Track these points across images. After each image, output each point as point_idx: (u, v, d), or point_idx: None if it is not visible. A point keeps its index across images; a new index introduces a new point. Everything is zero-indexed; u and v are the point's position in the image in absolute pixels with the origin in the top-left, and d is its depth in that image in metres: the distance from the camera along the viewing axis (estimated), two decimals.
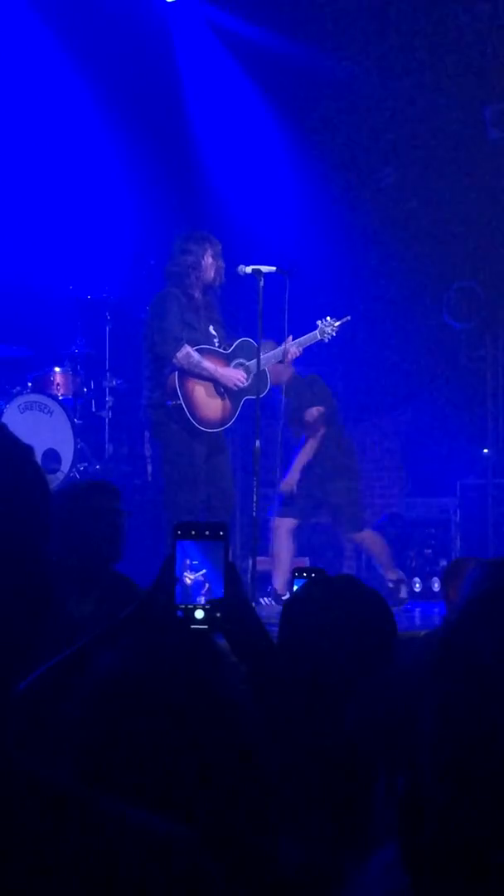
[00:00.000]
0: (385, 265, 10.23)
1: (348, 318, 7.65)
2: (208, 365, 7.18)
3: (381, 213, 10.32)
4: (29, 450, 1.19)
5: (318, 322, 7.55)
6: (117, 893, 1.11)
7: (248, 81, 10.22)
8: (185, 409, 7.11)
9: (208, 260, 7.24)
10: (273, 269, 7.17)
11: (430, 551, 9.52)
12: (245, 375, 7.25)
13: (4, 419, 7.66)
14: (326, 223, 10.35)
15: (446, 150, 10.01)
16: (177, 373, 7.11)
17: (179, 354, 7.11)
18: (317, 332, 7.53)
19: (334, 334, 7.59)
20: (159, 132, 9.86)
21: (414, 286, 10.12)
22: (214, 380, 7.20)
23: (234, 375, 7.25)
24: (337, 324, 7.57)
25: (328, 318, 7.58)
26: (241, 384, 7.25)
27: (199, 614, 2.31)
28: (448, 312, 10.00)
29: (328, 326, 7.55)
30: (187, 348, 7.13)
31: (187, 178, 10.02)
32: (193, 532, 2.35)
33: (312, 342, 7.55)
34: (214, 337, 7.33)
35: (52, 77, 9.30)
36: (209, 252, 7.25)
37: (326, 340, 7.60)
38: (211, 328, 7.33)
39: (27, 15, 9.14)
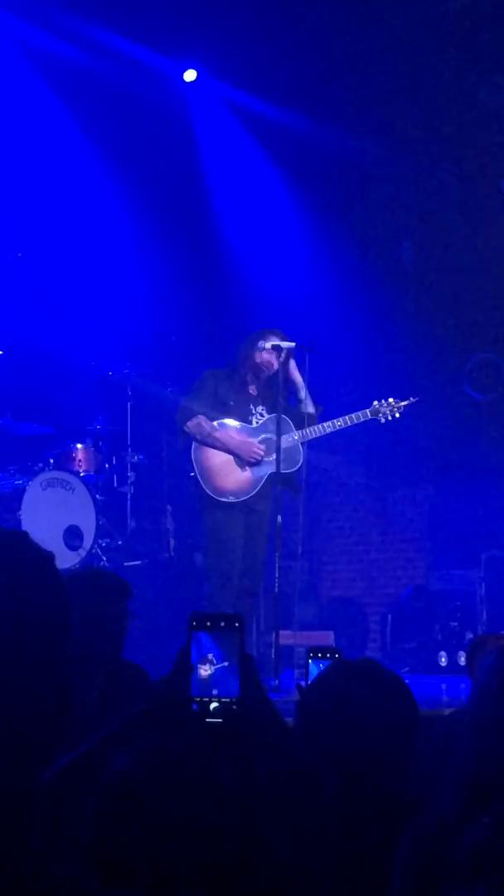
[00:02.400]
0: (405, 339, 10.25)
1: (416, 399, 7.47)
2: (220, 435, 7.19)
3: (401, 286, 10.36)
4: (50, 557, 1.22)
5: (375, 402, 7.41)
6: None
7: (266, 158, 10.31)
8: (200, 479, 7.14)
9: (261, 344, 7.22)
10: (293, 344, 7.18)
11: (455, 624, 9.44)
12: (262, 448, 7.23)
13: (27, 496, 7.67)
14: (346, 297, 10.39)
15: (463, 223, 10.06)
16: (193, 445, 7.16)
17: (190, 423, 7.17)
18: (369, 410, 7.40)
19: (397, 416, 7.46)
20: (180, 212, 9.96)
21: (434, 359, 10.13)
22: (228, 450, 7.20)
23: (251, 448, 7.23)
24: (402, 404, 7.44)
25: (391, 399, 7.39)
26: (256, 456, 7.22)
27: (214, 707, 2.28)
28: (469, 384, 10.00)
29: (386, 407, 7.36)
30: (199, 419, 7.16)
31: (208, 257, 10.09)
32: (208, 623, 2.33)
33: (362, 421, 7.40)
34: (258, 417, 7.33)
35: (77, 158, 9.41)
36: (264, 340, 7.24)
37: (383, 421, 7.47)
38: (259, 409, 7.32)
39: (54, 99, 9.28)
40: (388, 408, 7.38)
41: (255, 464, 7.23)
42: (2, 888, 1.12)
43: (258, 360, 7.25)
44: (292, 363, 7.25)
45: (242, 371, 7.30)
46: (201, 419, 7.18)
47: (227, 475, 7.20)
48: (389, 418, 7.41)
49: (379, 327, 10.37)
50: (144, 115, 9.66)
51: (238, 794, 1.71)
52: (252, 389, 7.34)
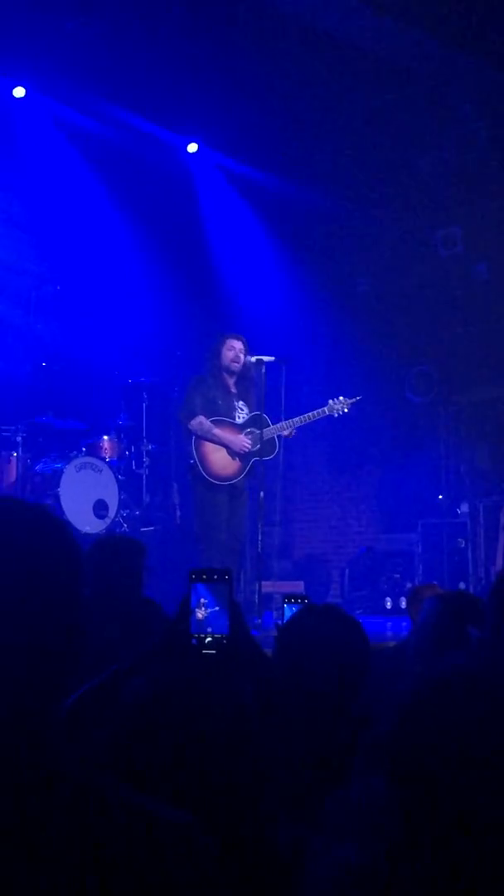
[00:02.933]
0: (359, 354, 10.25)
1: (359, 397, 7.48)
2: (217, 432, 7.18)
3: (357, 314, 10.36)
4: (66, 524, 1.22)
5: (330, 401, 7.43)
6: (126, 865, 1.11)
7: (252, 212, 10.30)
8: (200, 467, 7.14)
9: (227, 349, 7.24)
10: (272, 358, 7.17)
11: (398, 576, 9.45)
12: (250, 441, 7.22)
13: (65, 477, 7.66)
14: (315, 321, 10.40)
15: (407, 264, 10.06)
16: (194, 438, 7.15)
17: (193, 422, 7.16)
18: (325, 408, 7.40)
19: (347, 410, 7.46)
20: (183, 254, 9.94)
21: (382, 370, 10.13)
22: (224, 444, 7.20)
23: (240, 442, 7.22)
24: (350, 402, 7.45)
25: (341, 397, 7.40)
26: (245, 449, 7.22)
27: (209, 641, 2.28)
28: (409, 390, 10.01)
29: (339, 404, 7.39)
30: (199, 418, 7.16)
31: (206, 290, 10.08)
32: (204, 576, 2.33)
33: (321, 417, 7.37)
34: (241, 411, 7.32)
35: (102, 211, 9.39)
36: (227, 343, 7.26)
37: (336, 416, 7.46)
38: (240, 403, 7.31)
39: (83, 165, 9.26)
40: (340, 404, 7.38)
41: (244, 454, 7.23)
42: (28, 791, 1.12)
43: (227, 360, 7.25)
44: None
45: (219, 372, 7.28)
46: (202, 419, 7.16)
47: (222, 464, 7.20)
48: (341, 413, 7.41)
49: (338, 345, 10.37)
50: (156, 178, 9.64)
51: (228, 709, 1.70)
52: (231, 387, 7.33)
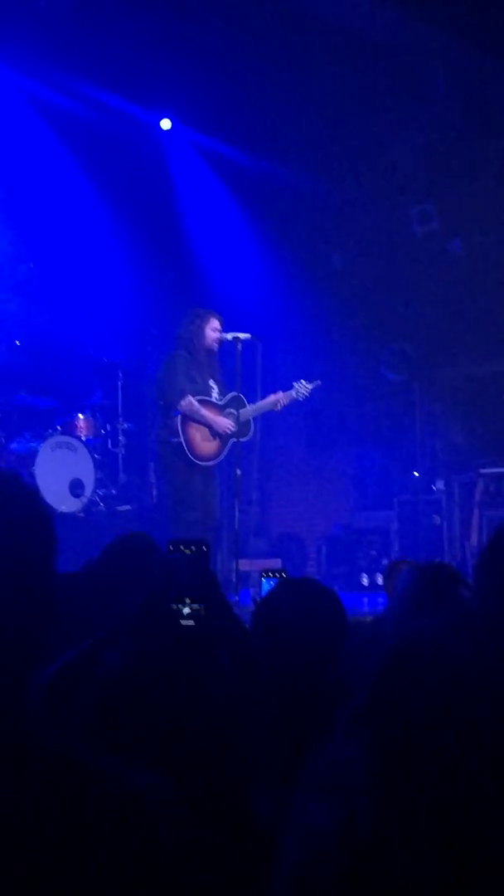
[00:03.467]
0: (334, 331, 10.24)
1: (318, 382, 7.51)
2: (205, 413, 7.17)
3: (332, 290, 10.34)
4: (36, 491, 1.22)
5: (294, 384, 7.46)
6: (103, 832, 1.10)
7: (227, 189, 10.26)
8: (185, 447, 7.11)
9: (208, 330, 7.23)
10: (248, 335, 7.16)
11: (374, 553, 9.49)
12: (233, 423, 7.22)
13: (40, 456, 7.63)
14: (290, 299, 10.38)
15: (381, 241, 10.05)
16: (180, 417, 7.11)
17: (183, 403, 7.12)
18: (293, 391, 7.45)
19: (307, 395, 7.50)
20: (159, 232, 9.89)
21: (358, 347, 10.13)
22: (209, 425, 7.19)
23: (224, 423, 7.22)
24: (310, 386, 7.48)
25: (302, 381, 7.45)
26: (229, 430, 7.21)
27: (187, 612, 2.29)
28: (385, 367, 10.02)
29: (302, 388, 7.42)
30: (189, 398, 7.13)
31: (180, 267, 10.05)
32: (182, 546, 2.33)
33: (290, 399, 7.42)
34: (213, 389, 7.32)
35: (76, 189, 9.33)
36: (212, 323, 7.25)
37: (300, 399, 7.51)
38: (211, 382, 7.32)
39: (59, 145, 9.19)
40: (303, 388, 7.42)
41: (225, 435, 7.22)
42: (4, 762, 1.12)
43: (209, 339, 7.23)
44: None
45: (196, 351, 7.25)
46: (191, 399, 7.13)
47: (204, 444, 7.19)
48: (303, 397, 7.44)
49: (313, 322, 10.36)
50: (130, 155, 9.57)
51: (207, 678, 1.71)
52: (206, 365, 7.32)
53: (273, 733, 2.28)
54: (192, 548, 2.33)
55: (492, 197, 9.32)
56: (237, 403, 7.25)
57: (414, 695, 1.08)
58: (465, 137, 9.43)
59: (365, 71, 9.22)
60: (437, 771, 1.06)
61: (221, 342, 7.24)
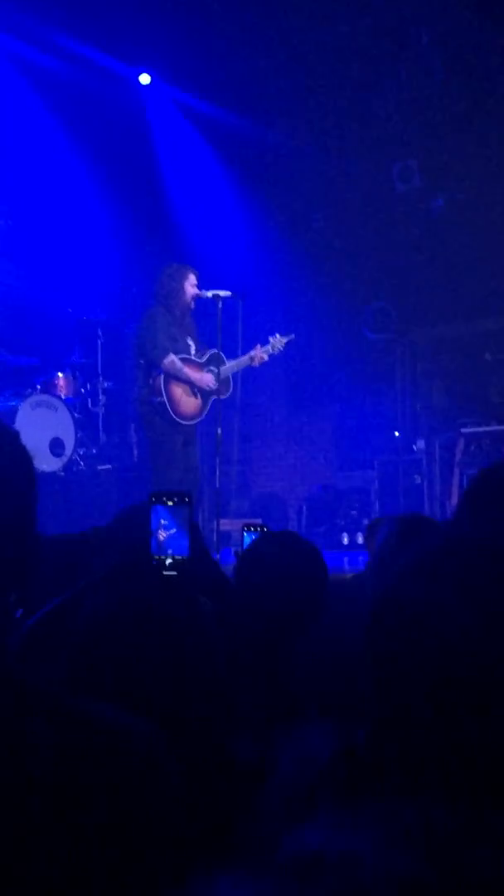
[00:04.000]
0: (316, 290, 10.20)
1: (293, 336, 7.53)
2: (188, 370, 7.13)
3: (313, 249, 10.29)
4: (15, 433, 1.21)
5: (270, 338, 7.46)
6: (86, 772, 1.10)
7: (207, 146, 10.17)
8: (168, 406, 7.07)
9: (187, 286, 7.18)
10: (229, 293, 7.12)
11: (355, 512, 9.51)
12: (214, 380, 7.20)
13: (19, 415, 7.60)
14: (270, 257, 10.32)
15: (363, 199, 9.99)
16: (162, 376, 7.06)
17: (166, 361, 7.06)
18: (269, 346, 7.44)
19: (282, 349, 7.50)
20: (138, 188, 9.80)
21: (339, 306, 10.10)
22: (191, 383, 7.15)
23: (207, 380, 7.19)
24: (284, 340, 7.48)
25: (277, 335, 7.45)
26: (211, 387, 7.19)
27: (169, 563, 2.28)
28: (366, 326, 10.00)
29: (278, 342, 7.43)
30: (172, 356, 7.07)
31: (161, 225, 9.96)
32: (164, 498, 2.32)
33: (267, 353, 7.41)
34: (191, 346, 7.28)
35: (55, 144, 9.23)
36: (190, 278, 7.19)
37: (276, 353, 7.50)
38: (188, 340, 7.27)
39: (37, 100, 9.07)
40: (278, 342, 7.42)
41: (206, 393, 7.20)
42: None
43: (188, 296, 7.18)
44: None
45: (175, 307, 7.19)
46: (173, 357, 7.08)
47: (186, 403, 7.16)
48: (279, 350, 7.44)
49: (294, 281, 10.32)
50: (108, 110, 9.47)
51: (188, 625, 1.71)
52: (183, 322, 7.27)
53: (254, 685, 2.30)
54: (175, 499, 2.33)
55: (474, 154, 9.27)
56: (217, 361, 7.23)
57: (413, 612, 1.09)
58: (448, 94, 9.37)
59: (347, 26, 9.12)
60: (439, 683, 1.07)
61: (198, 298, 7.20)
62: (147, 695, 1.58)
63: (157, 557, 2.28)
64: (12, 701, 1.11)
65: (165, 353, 7.04)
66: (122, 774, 1.11)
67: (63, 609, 2.09)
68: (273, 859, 0.76)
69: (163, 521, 2.29)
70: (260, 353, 7.38)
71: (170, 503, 2.30)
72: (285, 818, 0.99)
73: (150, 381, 7.11)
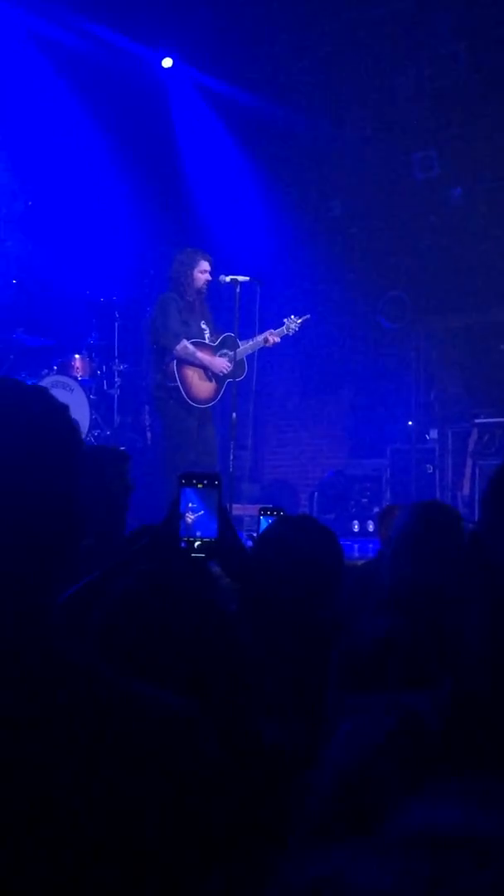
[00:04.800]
0: (333, 277, 10.21)
1: (308, 316, 7.60)
2: (201, 355, 7.17)
3: (330, 236, 10.29)
4: (65, 408, 1.20)
5: (285, 320, 7.52)
6: (131, 750, 1.10)
7: (227, 130, 10.17)
8: (182, 390, 7.11)
9: (200, 270, 7.20)
10: (247, 278, 7.15)
11: (366, 500, 9.52)
12: (228, 363, 7.23)
13: None
14: (288, 243, 10.33)
15: (382, 187, 9.98)
16: (175, 361, 7.10)
17: (179, 347, 7.10)
18: (283, 328, 7.50)
19: (297, 329, 7.55)
20: (158, 171, 9.81)
21: (355, 294, 10.10)
22: (205, 367, 7.19)
23: (220, 364, 7.23)
24: (299, 321, 7.54)
25: (292, 316, 7.52)
26: (225, 371, 7.22)
27: (198, 545, 2.32)
28: (381, 315, 10.00)
29: (292, 323, 7.51)
30: (185, 342, 7.11)
31: (179, 208, 9.97)
32: (194, 481, 2.35)
33: (282, 335, 7.48)
34: (205, 331, 7.31)
35: (77, 126, 9.25)
36: (202, 265, 7.22)
37: (290, 334, 7.56)
38: (202, 324, 7.31)
39: (58, 80, 9.08)
40: (292, 323, 7.46)
41: (219, 376, 7.23)
42: (33, 680, 1.12)
43: (199, 282, 7.21)
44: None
45: (187, 292, 7.22)
46: (185, 342, 7.12)
47: (201, 387, 7.19)
48: (292, 332, 7.49)
49: (310, 267, 10.32)
50: (130, 93, 9.47)
51: (212, 604, 1.75)
52: (196, 306, 7.30)
53: (273, 664, 2.33)
54: (205, 482, 2.36)
55: (495, 145, 9.25)
56: (230, 343, 7.26)
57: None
58: (470, 84, 9.34)
59: (369, 13, 9.10)
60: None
61: (210, 282, 7.23)
62: (168, 673, 1.62)
63: (185, 539, 2.31)
64: (55, 674, 1.12)
65: (177, 339, 7.09)
66: (164, 749, 1.11)
67: (93, 587, 2.13)
68: (386, 833, 0.75)
69: (191, 504, 2.33)
70: (273, 336, 7.42)
71: (199, 486, 2.33)
72: (344, 798, 1.00)
73: (164, 366, 7.16)
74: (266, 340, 7.39)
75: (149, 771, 1.09)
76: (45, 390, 1.21)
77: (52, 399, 1.20)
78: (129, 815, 1.07)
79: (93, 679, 1.14)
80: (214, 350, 7.28)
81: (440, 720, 1.03)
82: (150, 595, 1.66)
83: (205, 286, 7.23)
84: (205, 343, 7.24)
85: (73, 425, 1.21)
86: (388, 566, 2.51)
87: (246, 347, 7.34)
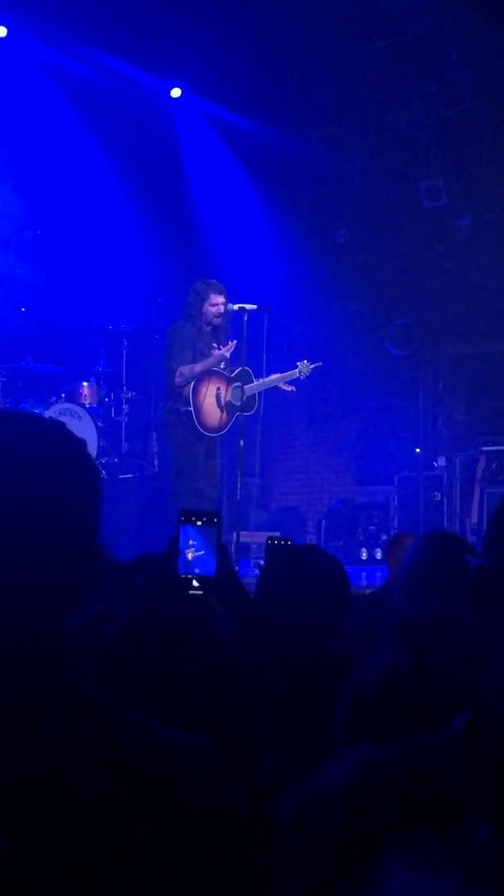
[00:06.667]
0: (340, 305, 10.22)
1: (319, 363, 7.65)
2: (199, 366, 7.15)
3: (338, 264, 10.31)
4: (83, 442, 1.20)
5: (298, 363, 7.54)
6: (146, 788, 1.09)
7: (235, 159, 10.22)
8: (194, 416, 7.09)
9: (211, 304, 7.22)
10: (255, 306, 7.17)
11: (373, 527, 9.50)
12: (227, 352, 7.17)
13: None
14: (296, 271, 10.35)
15: (389, 215, 10.01)
16: (191, 385, 7.08)
17: (177, 373, 7.12)
18: (296, 371, 7.53)
19: (308, 374, 7.58)
20: (166, 200, 9.87)
21: (363, 321, 10.11)
22: (209, 373, 7.18)
23: (219, 355, 7.19)
24: (311, 366, 7.58)
25: (305, 361, 7.56)
26: (226, 356, 7.20)
27: (196, 583, 2.29)
28: (389, 342, 10.00)
29: (305, 368, 7.55)
30: (180, 368, 7.13)
31: (187, 237, 10.02)
32: (194, 518, 2.33)
33: (294, 378, 7.54)
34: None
35: (84, 156, 9.30)
36: (212, 298, 7.23)
37: (302, 378, 7.60)
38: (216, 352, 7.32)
39: (68, 110, 9.15)
40: (305, 368, 7.50)
41: (232, 407, 7.23)
42: (49, 712, 1.11)
43: (209, 315, 7.23)
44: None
45: (202, 323, 7.24)
46: (181, 369, 7.12)
47: (212, 416, 7.19)
48: (304, 376, 7.54)
49: (318, 296, 10.34)
50: (139, 123, 9.55)
51: (210, 638, 1.72)
52: (211, 336, 7.31)
53: (277, 696, 2.30)
54: (204, 519, 2.33)
55: (502, 174, 9.28)
56: (245, 377, 7.27)
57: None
58: (476, 113, 9.38)
59: (376, 42, 9.16)
60: None
61: (226, 314, 7.24)
62: (168, 705, 1.59)
63: (184, 577, 2.28)
64: (68, 711, 1.11)
65: (173, 374, 7.12)
66: (179, 788, 1.10)
67: (95, 620, 2.10)
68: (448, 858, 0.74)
69: (191, 542, 2.30)
70: (287, 386, 7.51)
71: (198, 523, 2.31)
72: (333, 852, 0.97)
73: (179, 391, 7.15)
74: (279, 382, 7.45)
75: (161, 811, 1.09)
76: (61, 424, 1.21)
77: (70, 432, 1.20)
78: (141, 855, 1.06)
79: (112, 718, 1.14)
80: (229, 381, 7.30)
81: (453, 762, 1.01)
82: (145, 631, 1.64)
83: (217, 318, 7.24)
84: (219, 372, 7.25)
85: (90, 457, 1.21)
86: (396, 598, 2.47)
87: (257, 385, 7.35)
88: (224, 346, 7.27)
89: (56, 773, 1.07)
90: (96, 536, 1.18)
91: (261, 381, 7.38)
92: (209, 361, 7.19)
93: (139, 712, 1.17)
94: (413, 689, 1.84)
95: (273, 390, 7.77)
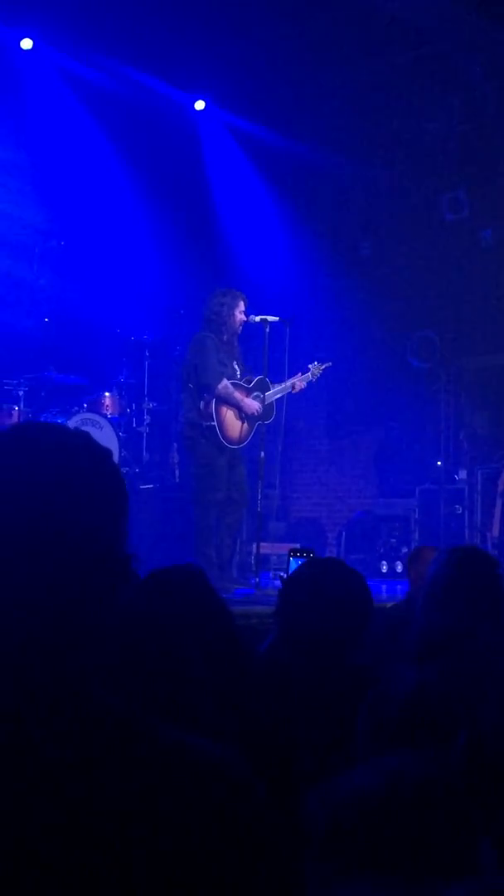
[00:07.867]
0: (362, 317, 10.23)
1: (329, 364, 7.60)
2: (238, 395, 7.11)
3: (360, 276, 10.32)
4: (109, 452, 1.19)
5: (309, 365, 7.52)
6: (179, 807, 1.07)
7: (258, 171, 10.26)
8: (217, 430, 7.03)
9: (240, 311, 7.19)
10: (276, 318, 7.17)
11: (394, 540, 9.47)
12: (260, 406, 7.20)
13: None
14: (318, 283, 10.37)
15: (412, 227, 10.02)
16: (214, 400, 7.02)
17: (220, 386, 7.01)
18: (309, 373, 7.50)
19: (319, 375, 7.55)
20: (189, 213, 9.91)
21: (384, 333, 10.11)
22: (240, 407, 7.13)
23: (253, 406, 7.18)
24: (321, 367, 7.54)
25: (315, 362, 7.52)
26: (257, 413, 7.19)
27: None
28: (411, 355, 10.00)
29: (316, 369, 7.51)
30: (225, 381, 7.06)
31: (210, 248, 10.05)
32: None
33: (307, 380, 7.49)
34: (237, 371, 7.29)
35: (108, 168, 9.35)
36: (241, 305, 7.20)
37: (314, 380, 7.56)
38: (234, 364, 7.28)
39: (89, 122, 9.20)
40: (316, 369, 7.47)
41: (253, 418, 7.22)
42: (77, 730, 1.10)
43: (237, 322, 7.19)
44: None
45: (223, 332, 7.18)
46: (227, 382, 7.07)
47: (235, 427, 7.17)
48: (315, 378, 7.50)
49: (341, 308, 10.35)
50: (162, 135, 9.60)
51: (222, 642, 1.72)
52: (230, 347, 7.28)
53: (300, 710, 2.31)
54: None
55: None
56: (263, 386, 7.27)
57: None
58: (499, 125, 9.39)
59: (400, 55, 9.19)
60: None
61: (246, 323, 7.25)
62: (176, 692, 1.59)
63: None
64: (95, 726, 1.10)
65: (219, 378, 7.02)
66: (214, 803, 1.08)
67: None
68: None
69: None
70: (299, 382, 7.44)
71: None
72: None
73: (201, 405, 7.07)
74: (294, 387, 7.41)
75: (197, 827, 1.06)
76: (87, 434, 1.20)
77: (96, 443, 1.19)
78: (174, 872, 1.04)
79: (137, 729, 1.12)
80: (249, 392, 7.28)
81: (452, 781, 1.02)
82: (151, 627, 1.65)
83: (240, 327, 7.23)
84: (241, 384, 7.24)
85: (116, 467, 1.20)
86: (419, 612, 2.48)
87: (275, 391, 7.33)
88: (239, 360, 7.26)
89: (90, 793, 1.05)
90: (125, 545, 1.16)
91: (278, 387, 7.36)
92: (249, 403, 7.15)
93: (166, 724, 1.15)
94: (437, 707, 1.84)
95: (294, 400, 7.77)
